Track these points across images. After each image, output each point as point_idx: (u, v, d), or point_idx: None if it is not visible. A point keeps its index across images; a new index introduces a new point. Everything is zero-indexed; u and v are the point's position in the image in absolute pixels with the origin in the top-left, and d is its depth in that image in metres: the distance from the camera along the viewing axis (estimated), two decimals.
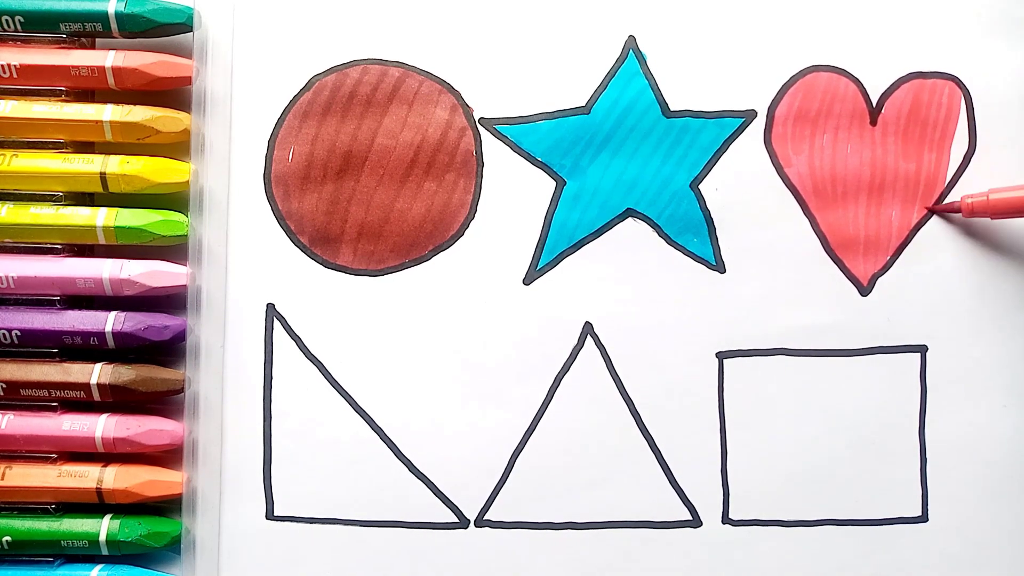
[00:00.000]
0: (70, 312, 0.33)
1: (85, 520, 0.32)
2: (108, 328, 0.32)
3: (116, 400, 0.32)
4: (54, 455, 0.33)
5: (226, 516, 0.33)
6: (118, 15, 0.33)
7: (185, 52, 0.34)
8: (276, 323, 0.34)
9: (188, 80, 0.33)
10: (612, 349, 0.34)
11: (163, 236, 0.33)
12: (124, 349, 0.33)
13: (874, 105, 0.34)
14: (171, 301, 0.33)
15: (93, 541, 0.32)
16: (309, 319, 0.34)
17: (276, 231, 0.34)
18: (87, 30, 0.33)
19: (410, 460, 0.34)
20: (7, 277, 0.32)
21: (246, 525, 0.33)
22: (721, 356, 0.34)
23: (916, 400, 0.34)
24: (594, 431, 0.34)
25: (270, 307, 0.34)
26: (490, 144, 0.34)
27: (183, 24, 0.33)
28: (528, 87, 0.34)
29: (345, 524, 0.34)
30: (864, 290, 0.34)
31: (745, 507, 0.34)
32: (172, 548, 0.33)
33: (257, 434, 0.34)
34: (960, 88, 0.35)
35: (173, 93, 0.34)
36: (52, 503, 0.32)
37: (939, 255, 0.34)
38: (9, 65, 0.33)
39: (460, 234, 0.34)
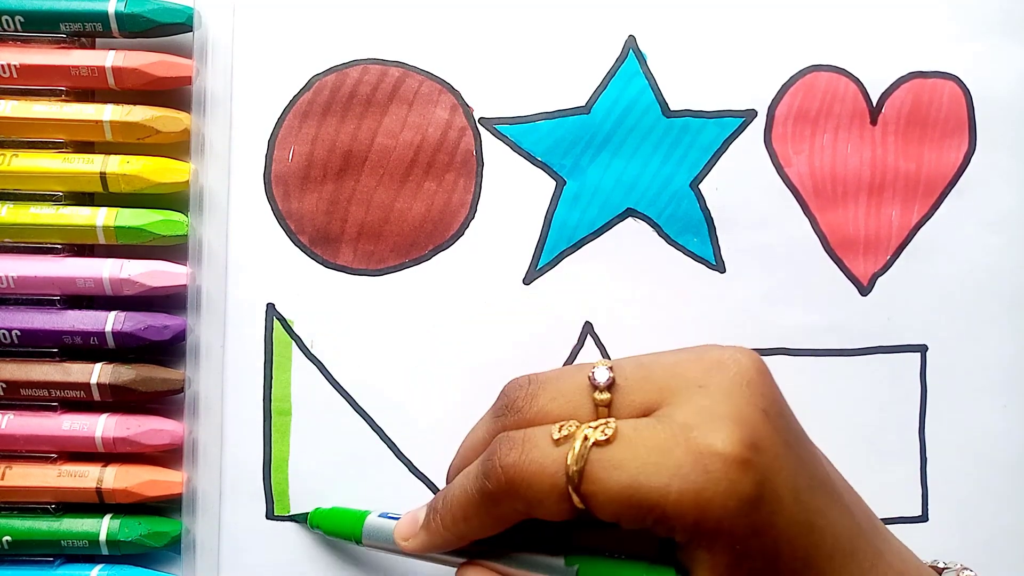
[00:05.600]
0: (70, 312, 0.33)
1: (85, 520, 0.32)
2: (108, 328, 0.32)
3: (116, 400, 0.32)
4: (54, 455, 0.33)
5: (226, 516, 0.33)
6: (118, 15, 0.33)
7: (185, 52, 0.34)
8: (276, 323, 0.34)
9: (188, 80, 0.33)
10: (612, 349, 0.34)
11: (163, 236, 0.33)
12: (124, 349, 0.33)
13: (874, 105, 0.34)
14: (171, 301, 0.33)
15: (93, 541, 0.32)
16: (309, 319, 0.34)
17: (276, 231, 0.34)
18: (87, 30, 0.33)
19: (410, 460, 0.34)
20: (7, 277, 0.32)
21: (246, 525, 0.33)
22: None
23: (916, 400, 0.34)
24: None
25: (270, 307, 0.34)
26: (490, 144, 0.34)
27: (183, 24, 0.33)
28: (528, 87, 0.34)
29: None
30: (864, 290, 0.34)
31: None
32: (172, 548, 0.33)
33: (257, 434, 0.34)
34: (960, 88, 0.34)
35: (173, 93, 0.34)
36: (52, 503, 0.32)
37: (939, 255, 0.34)
38: (9, 65, 0.33)
39: (460, 234, 0.34)
